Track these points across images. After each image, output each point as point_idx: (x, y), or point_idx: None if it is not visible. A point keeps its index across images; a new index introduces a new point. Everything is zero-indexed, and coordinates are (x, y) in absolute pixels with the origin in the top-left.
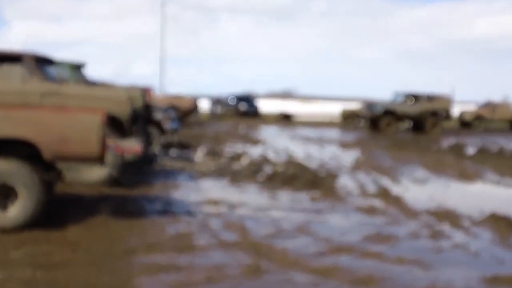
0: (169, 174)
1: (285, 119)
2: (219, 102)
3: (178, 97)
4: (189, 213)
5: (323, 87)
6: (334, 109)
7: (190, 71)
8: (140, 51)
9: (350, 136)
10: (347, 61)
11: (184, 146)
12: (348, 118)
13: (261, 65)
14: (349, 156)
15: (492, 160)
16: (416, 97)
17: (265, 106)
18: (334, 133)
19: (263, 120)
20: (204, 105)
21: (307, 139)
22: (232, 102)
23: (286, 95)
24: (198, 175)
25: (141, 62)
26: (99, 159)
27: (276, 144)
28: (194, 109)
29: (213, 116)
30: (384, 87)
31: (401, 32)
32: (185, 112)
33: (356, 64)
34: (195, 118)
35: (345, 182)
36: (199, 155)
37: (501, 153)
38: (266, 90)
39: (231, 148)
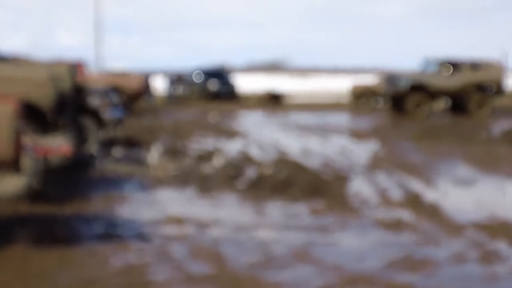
0: (112, 182)
1: (273, 101)
2: (180, 80)
3: (122, 75)
4: (142, 236)
5: (324, 55)
6: (341, 85)
7: (138, 39)
8: (66, 14)
9: (365, 122)
10: (356, 20)
11: (132, 142)
12: (361, 97)
13: (238, 29)
14: (363, 151)
15: None
16: (455, 66)
17: (245, 83)
18: (342, 119)
19: (243, 104)
20: (159, 85)
21: (305, 128)
22: (198, 79)
23: (273, 67)
24: (153, 182)
25: (69, 28)
26: (13, 165)
27: (261, 136)
28: (145, 90)
29: (172, 99)
30: (408, 54)
31: None
32: (132, 96)
33: (369, 24)
34: (146, 104)
35: (359, 186)
36: (154, 155)
37: None
38: (246, 62)
39: (198, 144)
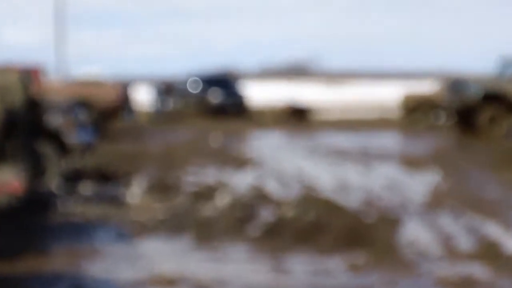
0: (79, 230)
1: (297, 117)
2: (172, 90)
3: (94, 84)
4: None
5: (365, 55)
6: (388, 95)
7: (117, 34)
8: (18, 2)
9: (421, 145)
10: (408, 8)
11: (106, 175)
12: (416, 111)
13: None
14: (420, 183)
15: None
16: None
17: (258, 94)
18: (389, 140)
19: (255, 121)
20: (144, 97)
21: (340, 154)
22: (195, 88)
23: (296, 72)
24: (135, 229)
25: (21, 21)
26: None
27: (280, 165)
28: (123, 104)
29: (160, 116)
30: (480, 52)
31: None
32: (107, 112)
33: (425, 13)
34: (126, 122)
35: (414, 232)
36: (136, 191)
37: None
38: (260, 64)
39: (195, 176)
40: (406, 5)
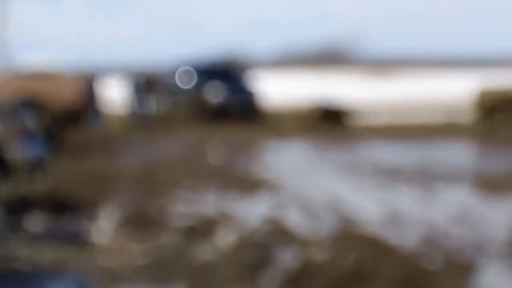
0: (25, 281)
1: (329, 121)
2: (154, 85)
3: (46, 77)
4: None
5: (420, 38)
6: (456, 91)
7: (75, 10)
8: None
9: (504, 160)
10: None
11: (63, 204)
12: (496, 112)
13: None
14: (501, 215)
15: None
16: None
17: (275, 90)
18: (459, 154)
19: (271, 128)
20: (116, 95)
21: (390, 174)
22: (187, 83)
23: (329, 60)
24: (104, 280)
25: None
26: None
27: (307, 189)
28: (86, 105)
29: (138, 121)
30: None
31: None
32: (63, 115)
33: None
34: (91, 129)
35: (494, 283)
36: (105, 227)
37: None
38: (277, 50)
39: (188, 205)
40: None
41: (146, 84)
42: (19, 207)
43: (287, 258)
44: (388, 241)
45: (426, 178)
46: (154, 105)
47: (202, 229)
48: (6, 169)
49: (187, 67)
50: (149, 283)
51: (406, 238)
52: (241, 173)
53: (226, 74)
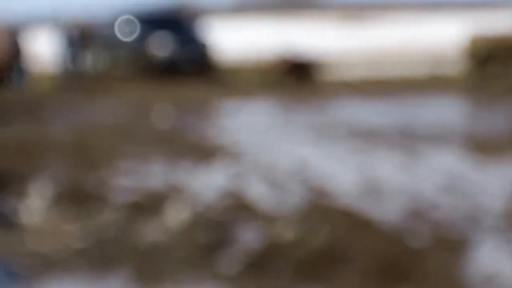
0: None
1: (297, 76)
2: (89, 37)
3: None
4: None
5: None
6: (442, 37)
7: None
8: None
9: (499, 118)
10: None
11: None
12: (490, 61)
13: None
14: (496, 182)
15: None
16: None
17: (233, 41)
18: (446, 111)
19: (229, 86)
20: (44, 49)
21: (367, 136)
22: (128, 34)
23: (295, 3)
24: (35, 266)
25: None
26: None
27: (272, 156)
28: (10, 62)
29: (71, 80)
30: None
31: None
32: None
33: None
34: (16, 90)
35: (490, 262)
36: (35, 205)
37: None
38: None
39: (132, 178)
40: None
41: (80, 37)
42: None
43: (249, 238)
44: (366, 214)
45: (409, 140)
46: (89, 61)
47: (149, 205)
48: None
49: (128, 16)
50: (87, 270)
51: (387, 211)
52: (194, 139)
53: (174, 23)
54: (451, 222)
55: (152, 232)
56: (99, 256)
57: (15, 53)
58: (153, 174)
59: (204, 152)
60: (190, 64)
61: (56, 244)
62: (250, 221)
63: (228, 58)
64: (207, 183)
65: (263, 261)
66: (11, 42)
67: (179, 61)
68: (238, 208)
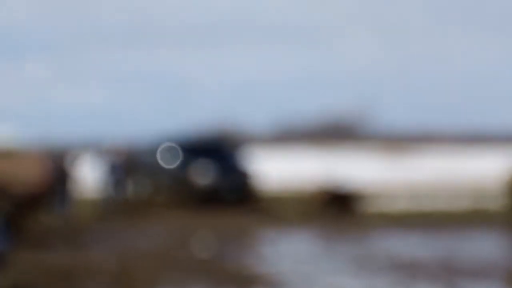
0: None
1: (338, 207)
2: (132, 163)
3: (6, 155)
4: None
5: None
6: (483, 170)
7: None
8: None
9: None
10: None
11: None
12: None
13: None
14: None
15: None
16: None
17: (274, 170)
18: (488, 245)
19: (270, 215)
20: (86, 175)
21: (409, 269)
22: (170, 161)
23: (338, 134)
24: None
25: None
26: None
27: (312, 285)
28: (52, 188)
29: (113, 207)
30: None
31: None
32: (25, 200)
33: None
34: (57, 217)
35: None
36: None
37: None
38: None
39: None
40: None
41: (123, 163)
42: None
43: None
44: None
45: (450, 274)
46: (131, 187)
47: None
48: None
49: (171, 143)
50: None
51: None
52: (234, 268)
53: (216, 151)
54: None
55: None
56: None
57: (58, 178)
58: None
59: (244, 281)
60: (231, 192)
61: None
62: None
63: (269, 187)
64: None
65: None
66: (54, 167)
67: (220, 189)
68: None
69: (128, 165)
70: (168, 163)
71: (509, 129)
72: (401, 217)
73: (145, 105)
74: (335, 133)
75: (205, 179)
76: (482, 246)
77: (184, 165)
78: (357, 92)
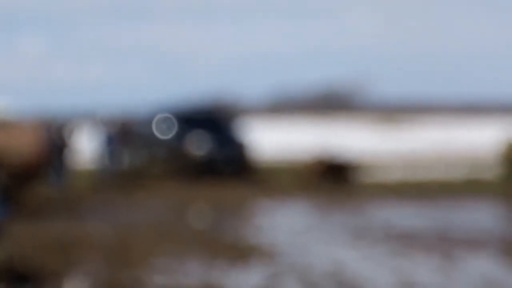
0: None
1: (334, 177)
2: (128, 135)
3: (1, 126)
4: None
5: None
6: (479, 140)
7: (35, 46)
8: None
9: None
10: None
11: (22, 275)
12: None
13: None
14: None
15: None
16: None
17: (270, 141)
18: (485, 216)
19: (266, 186)
20: (82, 146)
21: (405, 240)
22: (166, 132)
23: (333, 105)
24: None
25: None
26: None
27: (308, 259)
28: (48, 159)
29: (109, 178)
30: None
31: None
32: (22, 172)
33: None
34: (53, 188)
35: None
36: None
37: None
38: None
39: (167, 276)
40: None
41: (119, 134)
42: None
43: None
44: None
45: (446, 244)
46: (127, 158)
47: None
48: None
49: (166, 114)
50: None
51: None
52: (230, 239)
53: (212, 122)
54: None
55: None
56: None
57: (53, 149)
58: (189, 273)
59: (241, 252)
60: (227, 164)
61: None
62: None
63: (265, 158)
64: (243, 283)
65: None
66: (49, 138)
67: (216, 160)
68: None
69: (124, 136)
70: (164, 134)
71: (504, 100)
72: (397, 187)
73: (142, 77)
74: (331, 104)
75: (200, 150)
76: (478, 216)
77: (180, 136)
78: (353, 63)
